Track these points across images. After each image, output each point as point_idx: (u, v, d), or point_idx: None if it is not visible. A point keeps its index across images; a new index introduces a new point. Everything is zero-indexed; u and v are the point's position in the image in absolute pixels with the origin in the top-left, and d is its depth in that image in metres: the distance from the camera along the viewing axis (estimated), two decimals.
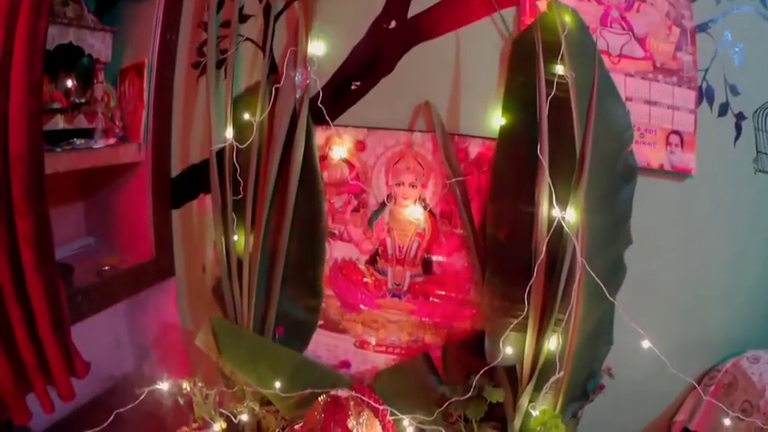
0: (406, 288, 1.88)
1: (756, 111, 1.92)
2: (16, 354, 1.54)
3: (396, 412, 1.73)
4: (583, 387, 1.80)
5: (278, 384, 1.78)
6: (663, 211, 1.88)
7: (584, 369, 1.76)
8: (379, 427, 1.62)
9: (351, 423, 1.60)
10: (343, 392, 1.68)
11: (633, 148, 1.73)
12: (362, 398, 1.65)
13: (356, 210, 1.88)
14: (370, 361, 1.95)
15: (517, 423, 1.74)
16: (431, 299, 1.89)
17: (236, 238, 1.87)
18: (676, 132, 1.81)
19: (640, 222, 1.77)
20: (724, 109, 1.88)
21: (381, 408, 1.66)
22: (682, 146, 1.81)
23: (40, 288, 1.49)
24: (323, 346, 1.98)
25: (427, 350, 1.91)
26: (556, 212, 1.51)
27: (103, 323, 1.98)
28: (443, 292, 1.88)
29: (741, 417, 1.74)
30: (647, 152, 1.79)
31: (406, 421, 1.73)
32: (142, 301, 2.44)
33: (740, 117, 1.90)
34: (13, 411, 1.58)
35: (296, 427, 1.73)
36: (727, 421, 1.77)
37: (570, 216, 1.51)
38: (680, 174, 1.84)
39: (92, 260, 2.14)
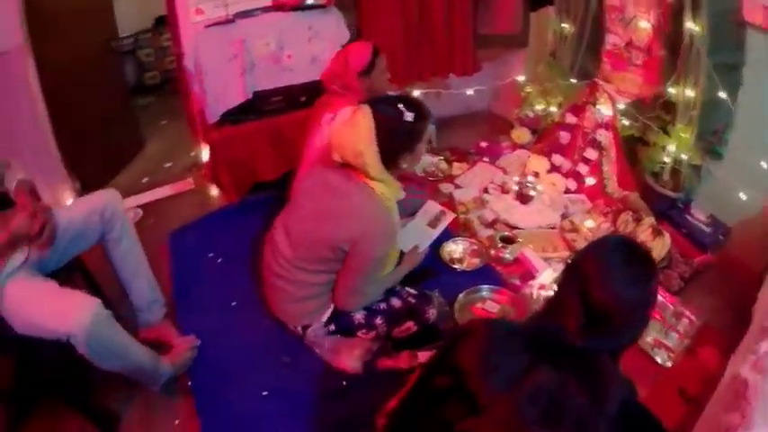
0: (640, 63, 3.72)
1: None
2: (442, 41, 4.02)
3: None
4: (710, 138, 3.22)
5: None
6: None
7: (709, 125, 3.14)
8: None
9: None
10: None
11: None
12: None
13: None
14: None
15: (674, 136, 3.38)
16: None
17: (563, 25, 4.00)
18: None
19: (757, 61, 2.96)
20: None
21: None
22: None
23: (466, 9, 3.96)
24: None
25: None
26: (690, 24, 3.05)
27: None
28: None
29: None
30: (755, 14, 2.84)
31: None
32: (506, 61, 4.86)
33: None
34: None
35: None
36: None
37: (695, 27, 2.98)
38: None
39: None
